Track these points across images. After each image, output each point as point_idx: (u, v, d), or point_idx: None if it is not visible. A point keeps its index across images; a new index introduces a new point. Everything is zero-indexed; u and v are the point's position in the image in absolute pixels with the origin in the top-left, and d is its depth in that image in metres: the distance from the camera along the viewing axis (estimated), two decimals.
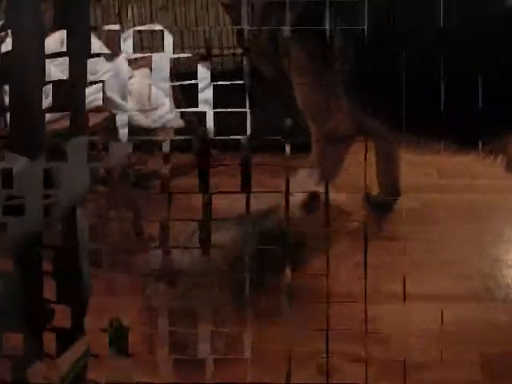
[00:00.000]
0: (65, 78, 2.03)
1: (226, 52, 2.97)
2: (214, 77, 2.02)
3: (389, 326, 1.89)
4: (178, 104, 2.47)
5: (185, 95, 2.55)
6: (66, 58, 2.08)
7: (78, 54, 1.80)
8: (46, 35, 1.55)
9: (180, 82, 2.07)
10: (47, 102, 2.03)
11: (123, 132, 1.98)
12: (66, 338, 1.46)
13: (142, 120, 2.26)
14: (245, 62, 2.06)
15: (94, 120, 2.03)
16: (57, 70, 2.09)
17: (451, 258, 2.25)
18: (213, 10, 2.99)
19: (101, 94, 2.13)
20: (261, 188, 1.67)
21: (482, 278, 2.18)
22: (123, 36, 2.05)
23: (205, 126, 2.15)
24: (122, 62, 2.06)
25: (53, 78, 2.01)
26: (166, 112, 2.24)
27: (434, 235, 2.38)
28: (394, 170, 2.48)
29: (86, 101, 2.04)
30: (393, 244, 2.26)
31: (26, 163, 1.31)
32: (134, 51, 2.12)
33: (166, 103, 2.25)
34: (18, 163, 1.35)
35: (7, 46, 1.79)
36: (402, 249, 2.16)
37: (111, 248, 2.05)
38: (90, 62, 2.15)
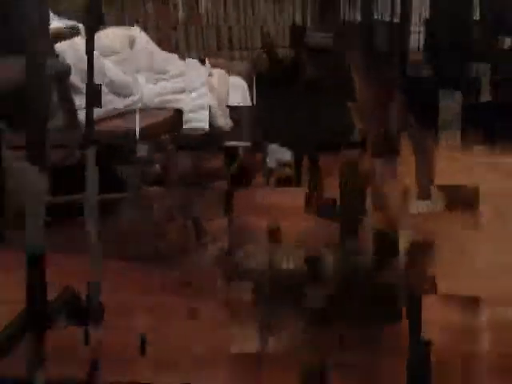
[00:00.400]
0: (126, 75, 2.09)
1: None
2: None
3: None
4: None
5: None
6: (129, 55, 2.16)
7: None
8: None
9: None
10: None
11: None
12: None
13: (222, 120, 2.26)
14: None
15: (154, 119, 2.05)
16: (116, 67, 2.12)
17: None
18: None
19: (169, 96, 2.15)
20: None
21: None
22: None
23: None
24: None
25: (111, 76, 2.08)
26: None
27: None
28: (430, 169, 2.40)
29: (154, 100, 2.09)
30: None
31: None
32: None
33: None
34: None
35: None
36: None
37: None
38: (159, 60, 2.20)
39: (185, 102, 2.15)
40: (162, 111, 2.08)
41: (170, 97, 2.14)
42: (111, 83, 2.08)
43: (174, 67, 2.29)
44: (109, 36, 2.19)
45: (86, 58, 1.99)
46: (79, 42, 1.91)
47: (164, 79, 2.23)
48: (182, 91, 2.19)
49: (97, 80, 2.02)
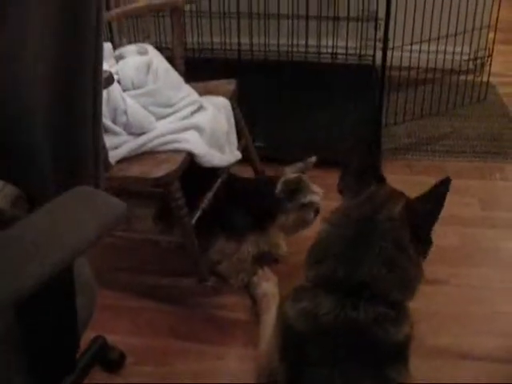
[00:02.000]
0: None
1: None
2: None
3: None
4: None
5: None
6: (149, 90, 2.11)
7: None
8: None
9: None
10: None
11: (112, 154, 1.98)
12: None
13: (218, 158, 2.20)
14: None
15: (171, 165, 2.02)
16: (135, 104, 2.10)
17: (495, 309, 2.20)
18: None
19: (180, 135, 2.11)
20: None
21: None
22: None
23: None
24: (115, 87, 2.01)
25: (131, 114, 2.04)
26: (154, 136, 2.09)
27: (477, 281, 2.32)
28: None
29: (163, 140, 2.06)
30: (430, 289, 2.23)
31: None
32: None
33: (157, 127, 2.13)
34: None
35: None
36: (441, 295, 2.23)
37: None
38: (165, 93, 2.15)
39: (193, 141, 2.11)
40: (176, 155, 2.04)
41: (178, 136, 2.10)
42: (129, 124, 2.06)
43: (182, 95, 2.24)
44: (130, 67, 2.13)
45: (117, 96, 1.98)
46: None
47: (175, 112, 2.18)
48: (190, 128, 2.14)
49: (120, 120, 2.01)
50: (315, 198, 2.21)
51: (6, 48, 1.23)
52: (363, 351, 1.41)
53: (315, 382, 1.41)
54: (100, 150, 1.17)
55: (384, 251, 1.41)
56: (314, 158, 2.30)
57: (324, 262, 1.48)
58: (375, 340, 1.40)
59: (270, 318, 1.99)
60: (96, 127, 1.16)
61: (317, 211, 2.22)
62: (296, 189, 2.20)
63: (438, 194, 1.42)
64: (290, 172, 2.26)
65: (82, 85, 1.13)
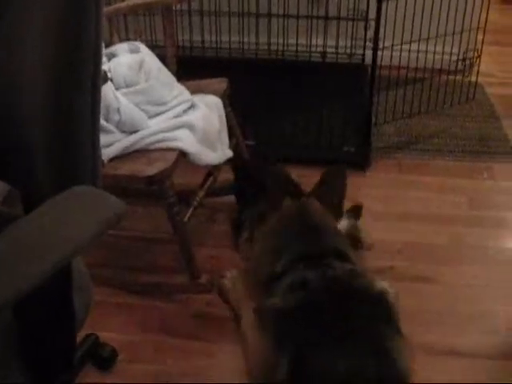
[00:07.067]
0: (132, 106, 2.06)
1: None
2: None
3: None
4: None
5: None
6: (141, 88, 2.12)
7: None
8: None
9: None
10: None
11: (104, 152, 1.99)
12: None
13: (210, 156, 2.22)
14: None
15: (164, 163, 2.04)
16: (128, 102, 2.11)
17: (482, 307, 2.23)
18: None
19: (172, 133, 2.13)
20: None
21: None
22: None
23: None
24: (107, 85, 2.04)
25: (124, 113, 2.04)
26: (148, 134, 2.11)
27: (464, 279, 2.35)
28: None
29: (155, 138, 2.07)
30: (418, 286, 2.30)
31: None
32: None
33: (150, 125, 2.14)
34: None
35: None
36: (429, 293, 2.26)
37: None
38: (157, 92, 2.16)
39: (185, 139, 2.12)
40: (169, 153, 2.06)
41: (170, 134, 2.11)
42: (121, 122, 2.07)
43: (175, 94, 2.25)
44: (122, 66, 2.14)
45: (110, 95, 1.99)
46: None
47: (167, 110, 2.19)
48: (182, 126, 2.16)
49: (112, 118, 2.02)
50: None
51: (3, 44, 1.22)
52: (353, 311, 1.48)
53: (320, 367, 1.42)
54: (98, 148, 1.18)
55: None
56: None
57: (285, 251, 1.61)
58: (357, 293, 1.52)
59: (248, 315, 1.99)
60: (94, 124, 1.16)
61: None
62: None
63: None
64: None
65: (80, 82, 1.13)
